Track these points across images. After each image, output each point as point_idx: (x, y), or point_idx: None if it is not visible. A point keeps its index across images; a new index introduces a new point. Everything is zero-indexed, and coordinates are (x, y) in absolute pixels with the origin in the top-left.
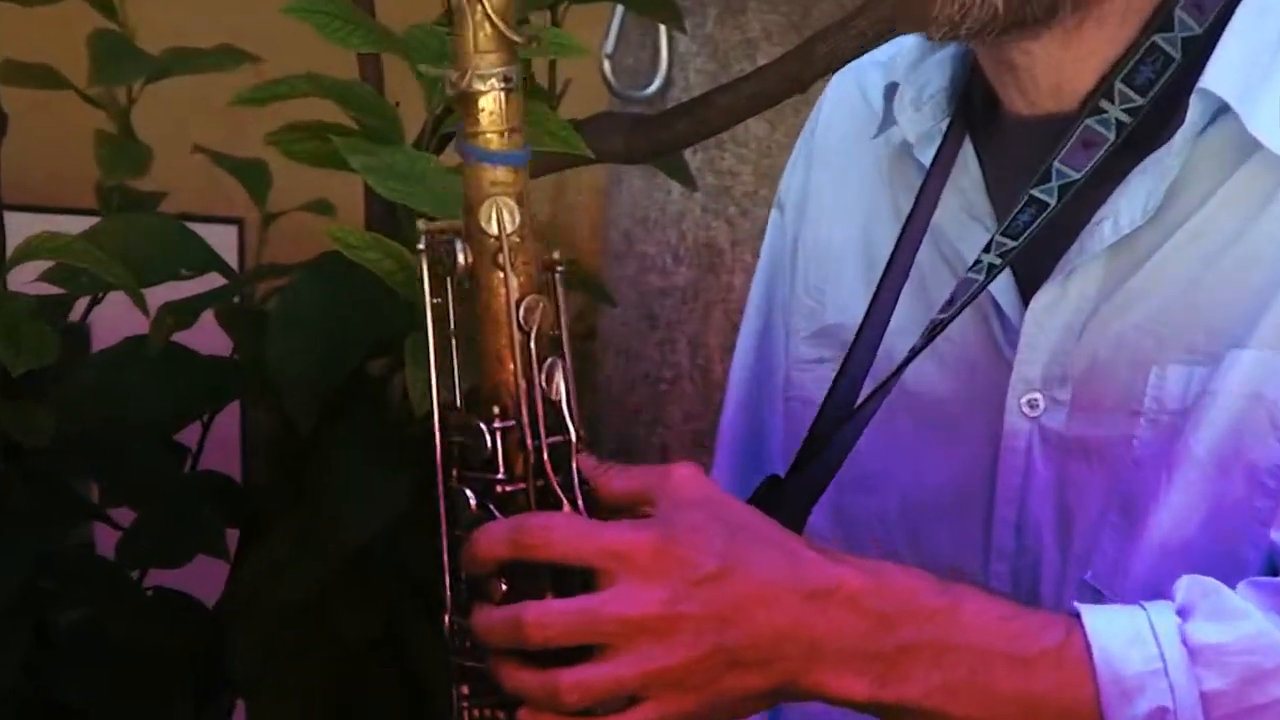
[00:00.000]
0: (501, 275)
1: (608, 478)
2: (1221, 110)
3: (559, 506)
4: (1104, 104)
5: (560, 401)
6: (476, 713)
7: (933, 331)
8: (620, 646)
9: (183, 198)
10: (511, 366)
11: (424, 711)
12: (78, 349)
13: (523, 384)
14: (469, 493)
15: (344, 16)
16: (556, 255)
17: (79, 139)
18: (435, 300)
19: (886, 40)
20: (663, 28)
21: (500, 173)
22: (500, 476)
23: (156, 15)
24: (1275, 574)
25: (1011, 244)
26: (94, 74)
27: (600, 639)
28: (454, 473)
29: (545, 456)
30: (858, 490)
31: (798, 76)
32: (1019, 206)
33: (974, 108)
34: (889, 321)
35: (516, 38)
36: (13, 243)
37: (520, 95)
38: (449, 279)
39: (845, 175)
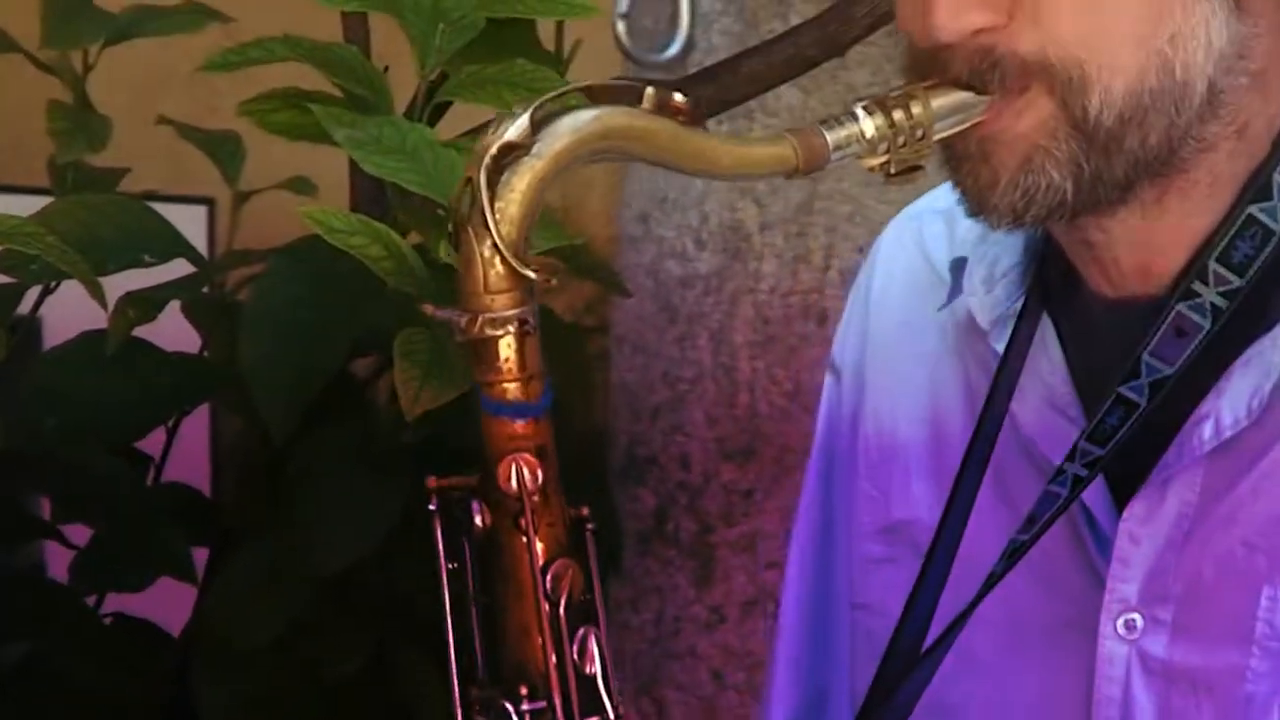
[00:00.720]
0: (524, 540)
1: None
2: None
3: None
4: (1197, 286)
5: (595, 677)
6: None
7: (1012, 554)
8: None
9: (146, 175)
10: (540, 640)
11: None
12: (27, 346)
13: (553, 659)
14: None
15: None
16: (585, 510)
17: (29, 109)
18: (451, 565)
19: (833, 56)
20: None
21: (520, 425)
22: None
23: None
24: None
25: (1099, 451)
26: (46, 36)
27: None
28: None
29: None
30: (933, 701)
31: (836, 39)
32: (1105, 407)
33: (1052, 283)
34: (967, 523)
35: (532, 273)
36: None
37: (537, 335)
38: (465, 540)
39: (908, 346)
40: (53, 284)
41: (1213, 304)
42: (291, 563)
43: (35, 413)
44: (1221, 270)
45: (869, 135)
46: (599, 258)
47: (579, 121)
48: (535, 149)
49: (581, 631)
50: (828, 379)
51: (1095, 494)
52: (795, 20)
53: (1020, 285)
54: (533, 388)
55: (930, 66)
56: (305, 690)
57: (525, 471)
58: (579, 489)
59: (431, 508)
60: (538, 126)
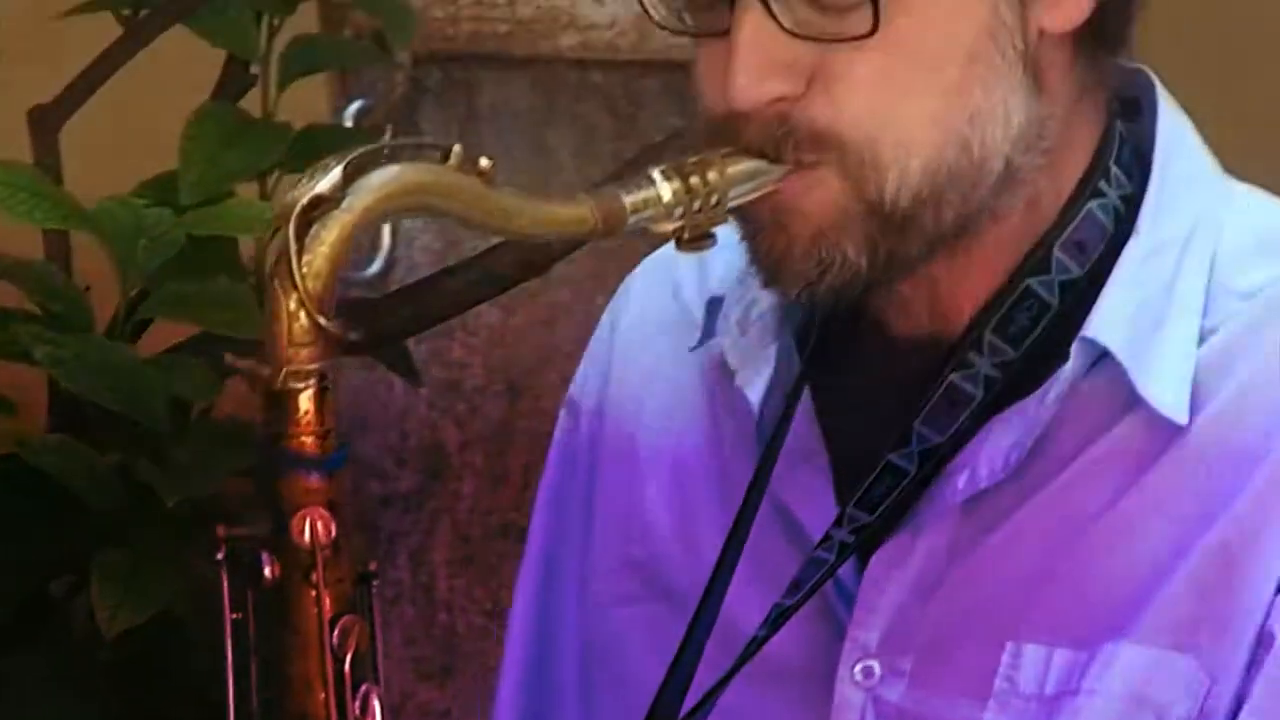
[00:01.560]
0: (314, 593)
1: None
2: (1102, 358)
3: None
4: (972, 356)
5: None
6: None
7: (777, 620)
8: None
9: None
10: (322, 695)
11: None
12: None
13: (334, 715)
14: None
15: (28, 188)
16: (373, 566)
17: None
18: (235, 615)
19: None
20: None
21: (315, 479)
22: None
23: None
24: None
25: (866, 519)
26: None
27: None
28: None
29: None
30: None
31: (536, 258)
32: (875, 475)
33: (821, 326)
34: (729, 586)
35: (335, 330)
36: None
37: (335, 392)
38: (250, 592)
39: (653, 388)
40: None
41: (986, 375)
42: None
43: None
44: (997, 341)
45: (665, 199)
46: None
47: (387, 176)
48: (345, 202)
49: (364, 688)
50: (563, 418)
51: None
52: (496, 238)
53: (776, 330)
54: (329, 443)
55: (726, 134)
56: None
57: (319, 525)
58: None
59: (219, 556)
60: (349, 179)
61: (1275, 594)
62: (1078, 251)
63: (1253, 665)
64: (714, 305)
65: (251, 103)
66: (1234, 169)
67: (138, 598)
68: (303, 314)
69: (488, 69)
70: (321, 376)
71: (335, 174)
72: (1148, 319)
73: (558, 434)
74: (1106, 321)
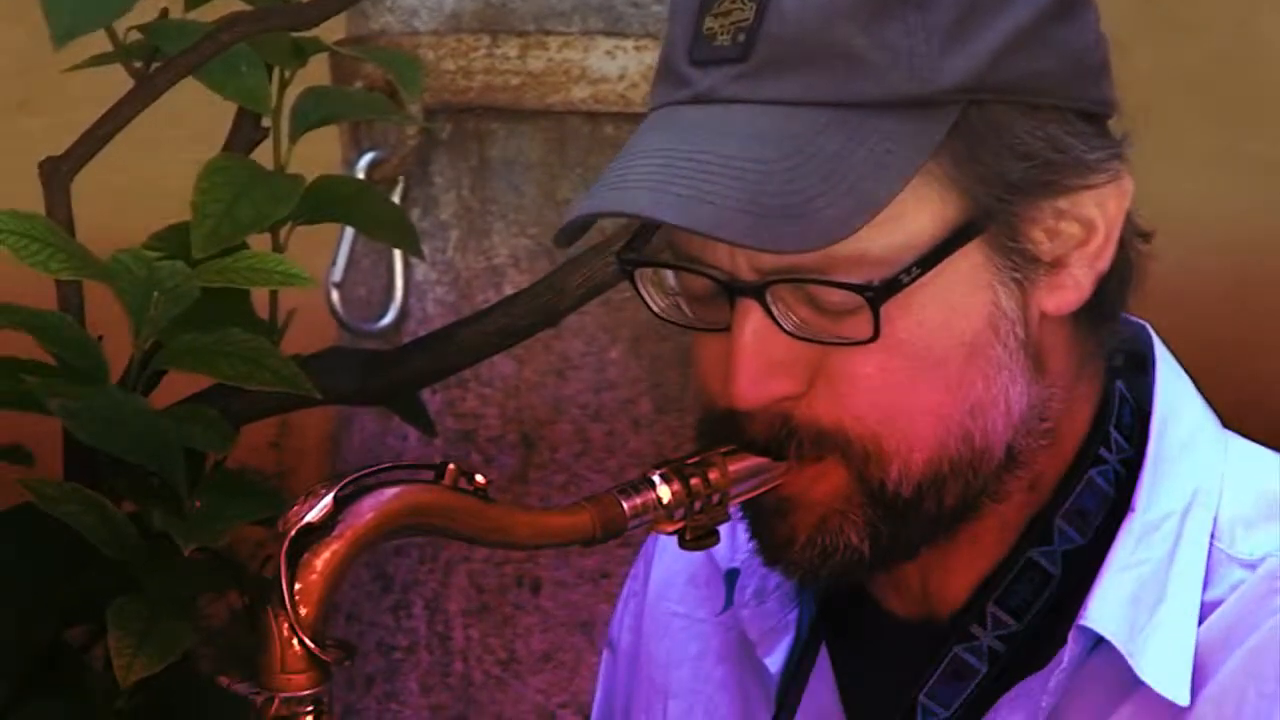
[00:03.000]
0: None
1: None
2: (1101, 642)
3: None
4: (975, 629)
5: None
6: None
7: None
8: None
9: None
10: None
11: None
12: None
13: None
14: None
15: (42, 238)
16: None
17: None
18: None
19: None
20: (397, 253)
21: None
22: None
23: None
24: None
25: None
26: None
27: None
28: None
29: None
30: None
31: (549, 309)
32: None
33: (835, 600)
34: None
35: (328, 657)
36: None
37: (331, 714)
38: None
39: (682, 648)
40: None
41: (990, 648)
42: None
43: None
44: (1000, 614)
45: (665, 501)
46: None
47: (380, 500)
48: (336, 529)
49: None
50: (605, 655)
51: None
52: (508, 290)
53: (794, 599)
54: None
55: (728, 430)
56: None
57: None
58: None
59: None
60: (341, 504)
61: None
62: (1080, 520)
63: None
64: (731, 576)
65: (264, 155)
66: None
67: (154, 646)
68: (295, 641)
69: (500, 121)
70: (317, 702)
71: (326, 501)
72: (1147, 598)
73: (602, 669)
74: (1103, 608)
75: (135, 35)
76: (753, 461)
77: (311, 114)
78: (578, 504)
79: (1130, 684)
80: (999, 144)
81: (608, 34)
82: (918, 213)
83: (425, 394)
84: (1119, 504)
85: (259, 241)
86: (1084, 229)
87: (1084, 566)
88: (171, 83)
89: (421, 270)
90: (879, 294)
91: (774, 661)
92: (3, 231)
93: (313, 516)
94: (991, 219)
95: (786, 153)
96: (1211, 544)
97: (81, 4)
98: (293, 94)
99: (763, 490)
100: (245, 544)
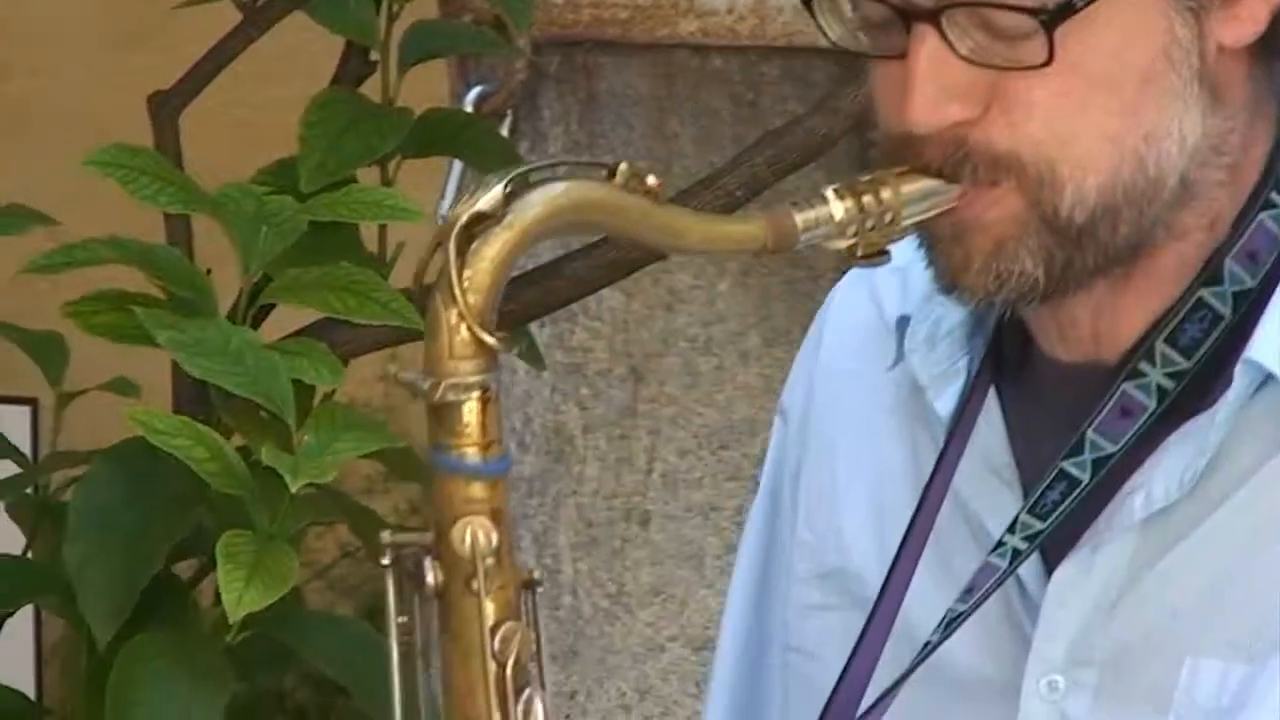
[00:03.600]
0: (475, 601)
1: None
2: (1270, 379)
3: None
4: (1144, 366)
5: None
6: None
7: (949, 624)
8: None
9: None
10: (484, 701)
11: None
12: None
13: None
14: None
15: (151, 172)
16: (536, 574)
17: None
18: (401, 619)
19: (761, 192)
20: (506, 188)
21: (477, 488)
22: None
23: None
24: None
25: (1039, 525)
26: None
27: None
28: None
29: None
30: None
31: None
32: (1048, 481)
33: (1005, 346)
34: (909, 587)
35: (495, 342)
36: None
37: (499, 403)
38: (416, 597)
39: (853, 402)
40: None
41: (1158, 385)
42: None
43: None
44: (1169, 352)
45: (838, 218)
46: (423, 460)
47: (550, 193)
48: (506, 219)
49: (526, 693)
50: (776, 423)
51: (1027, 562)
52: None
53: (964, 345)
54: (491, 452)
55: (903, 153)
56: None
57: (479, 534)
58: None
59: (385, 562)
60: (510, 197)
61: None
62: (1250, 262)
63: None
64: (902, 323)
65: (371, 89)
66: None
67: (262, 580)
68: (463, 328)
69: (608, 54)
70: (484, 388)
71: (496, 191)
72: None
73: (773, 439)
74: (1269, 345)
75: None
76: (927, 183)
77: (419, 47)
78: (751, 214)
79: None
80: None
81: None
82: None
83: (533, 327)
84: None
85: (367, 175)
86: None
87: (1252, 308)
88: (279, 17)
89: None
90: (1053, 17)
91: (943, 405)
92: (112, 165)
93: (483, 205)
94: None
95: None
96: None
97: None
98: (400, 27)
99: (937, 214)
100: (354, 478)
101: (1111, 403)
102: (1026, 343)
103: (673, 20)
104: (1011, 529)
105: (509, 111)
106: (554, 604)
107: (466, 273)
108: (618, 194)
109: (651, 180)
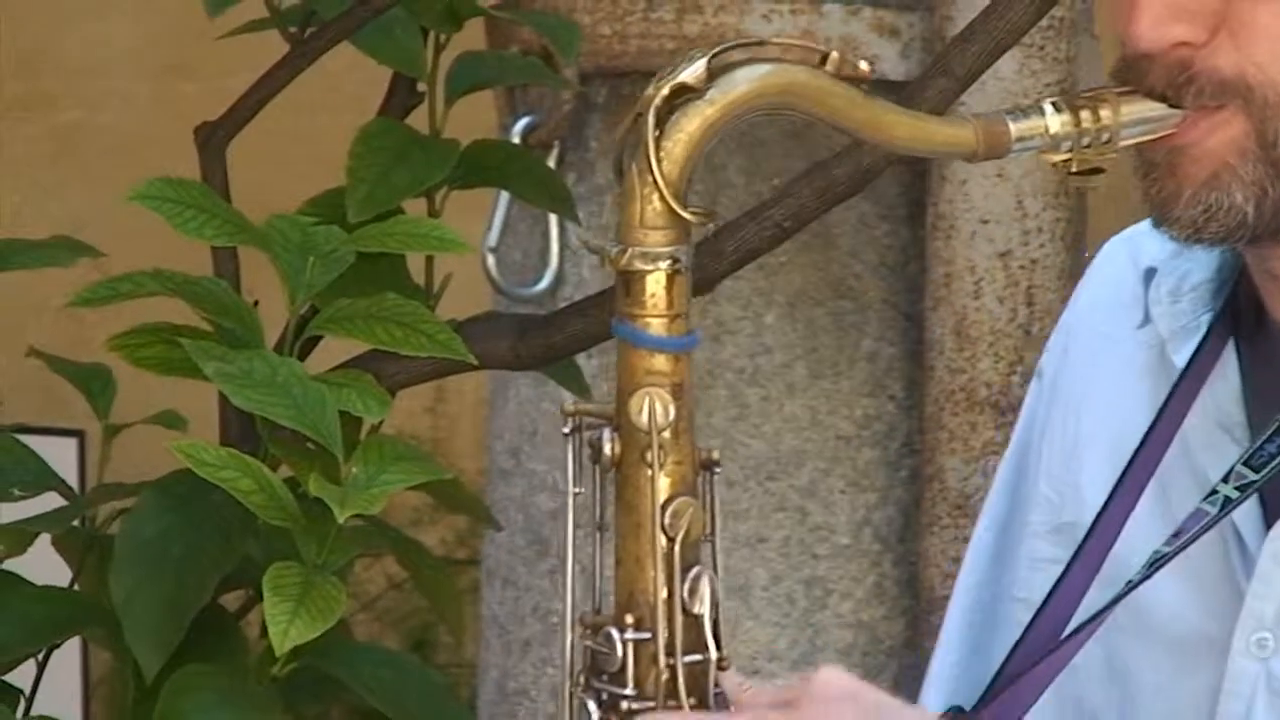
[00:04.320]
0: (649, 474)
1: (751, 698)
2: None
3: (679, 704)
4: None
5: (703, 616)
6: None
7: (1153, 564)
8: None
9: (16, 407)
10: (651, 574)
11: None
12: None
13: (663, 594)
14: (591, 705)
15: (197, 205)
16: (715, 454)
17: None
18: (577, 490)
19: (808, 223)
20: (553, 218)
21: (659, 360)
22: (628, 693)
23: None
24: None
25: (1253, 476)
26: None
27: None
28: (581, 678)
29: (680, 677)
30: (1080, 707)
31: (705, 273)
32: (1267, 434)
33: (1243, 307)
34: (1124, 526)
35: (689, 215)
36: None
37: (687, 277)
38: (595, 468)
39: (1102, 361)
40: None
41: None
42: None
43: None
44: None
45: (1054, 131)
46: (470, 491)
47: (756, 72)
48: (709, 94)
49: (695, 571)
50: (1033, 383)
51: (1246, 513)
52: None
53: (1208, 302)
54: (676, 326)
55: (1127, 74)
56: None
57: (658, 407)
58: None
59: (566, 431)
60: (714, 73)
61: None
62: None
63: None
64: (1150, 274)
65: (419, 120)
66: None
67: (309, 612)
68: (656, 198)
69: None
70: (674, 260)
71: (699, 65)
72: None
73: (1028, 397)
74: None
75: (290, 0)
76: (1148, 105)
77: (467, 78)
78: (963, 118)
79: None
80: None
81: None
82: None
83: (581, 358)
84: None
85: (414, 206)
86: None
87: None
88: (326, 48)
89: (577, 234)
90: None
91: (1181, 357)
92: (158, 199)
93: (686, 77)
94: None
95: None
96: None
97: None
98: (448, 58)
99: (1155, 138)
100: (401, 510)
101: None
102: (1261, 307)
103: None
104: (1225, 478)
105: (556, 143)
106: None
107: (665, 143)
108: (826, 80)
109: (864, 66)
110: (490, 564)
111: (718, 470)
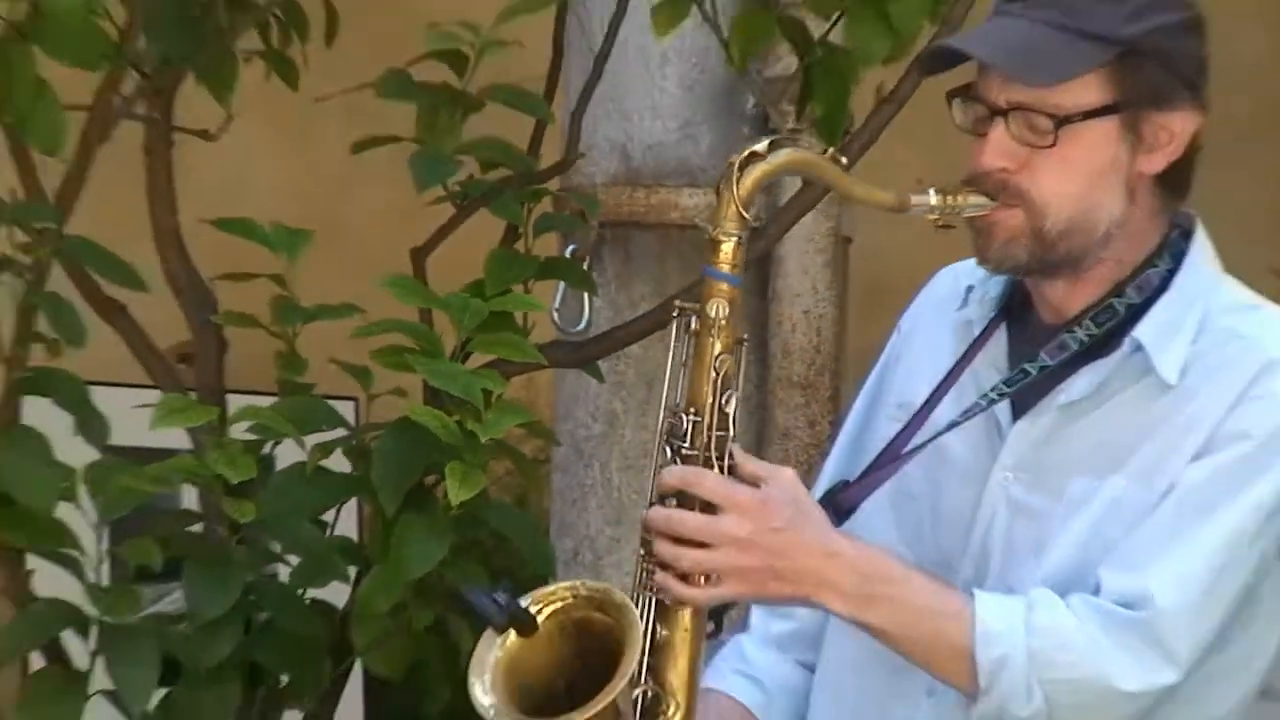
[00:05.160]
0: (711, 340)
1: (744, 460)
2: (1139, 348)
3: (712, 469)
4: (1077, 330)
5: (730, 415)
6: (645, 565)
7: (951, 425)
8: (718, 547)
9: (324, 385)
10: (706, 390)
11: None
12: (267, 469)
13: (709, 401)
14: (669, 450)
15: (419, 294)
16: (745, 336)
17: (269, 351)
18: (675, 345)
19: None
20: (585, 294)
21: (723, 286)
22: (687, 446)
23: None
24: (1097, 593)
25: (1006, 390)
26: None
27: (709, 540)
28: (666, 439)
29: (712, 440)
30: (908, 497)
31: (751, 247)
32: (1016, 371)
33: (1014, 307)
34: (936, 407)
35: (749, 216)
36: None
37: (744, 246)
38: (686, 337)
39: (935, 327)
40: (278, 440)
41: (1081, 340)
42: (396, 568)
43: (271, 503)
44: (1090, 326)
45: (933, 203)
46: (545, 426)
47: (790, 152)
48: (767, 159)
49: (728, 393)
50: (893, 336)
51: (1003, 412)
52: (644, 307)
53: (996, 305)
54: (735, 270)
55: (972, 181)
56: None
57: (720, 306)
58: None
59: (673, 315)
60: (771, 146)
61: (1189, 461)
62: (1138, 291)
63: (1167, 493)
64: (969, 289)
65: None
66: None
67: (467, 485)
68: (733, 205)
69: (636, 229)
70: (738, 238)
71: (764, 144)
72: (1168, 332)
73: (889, 344)
74: (1146, 331)
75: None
76: (980, 197)
77: (545, 224)
78: (887, 188)
79: (1147, 370)
80: (1138, 74)
81: (691, 185)
82: (1087, 90)
83: (602, 362)
84: (1160, 289)
85: (518, 288)
86: (1168, 133)
87: (1136, 313)
88: (471, 211)
89: (597, 303)
90: (1060, 123)
91: (977, 329)
92: (410, 294)
93: (757, 148)
94: (1124, 109)
95: (1040, 40)
96: (1203, 318)
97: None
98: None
99: (981, 215)
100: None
101: (1055, 341)
102: (1026, 309)
103: (668, 212)
104: (993, 389)
105: (588, 256)
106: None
107: (743, 179)
108: (824, 160)
109: (833, 153)
110: (557, 456)
111: (745, 341)
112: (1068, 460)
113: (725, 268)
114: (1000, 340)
